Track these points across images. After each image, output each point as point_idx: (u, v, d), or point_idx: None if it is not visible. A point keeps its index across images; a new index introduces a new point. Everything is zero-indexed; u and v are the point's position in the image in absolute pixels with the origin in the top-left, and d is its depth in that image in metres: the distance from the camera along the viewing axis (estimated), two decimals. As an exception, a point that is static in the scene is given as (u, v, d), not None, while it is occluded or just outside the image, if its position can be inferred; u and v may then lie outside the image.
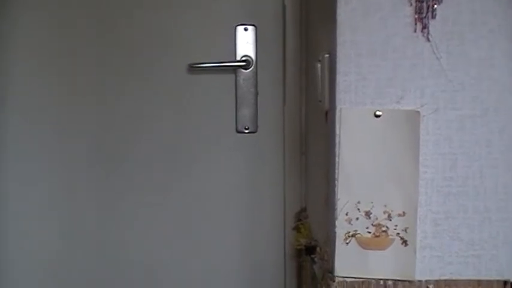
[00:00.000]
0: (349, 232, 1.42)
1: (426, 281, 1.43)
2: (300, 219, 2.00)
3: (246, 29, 2.04)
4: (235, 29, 2.04)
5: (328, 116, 1.52)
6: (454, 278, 1.43)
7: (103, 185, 2.09)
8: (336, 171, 1.43)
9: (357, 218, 1.42)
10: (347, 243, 1.42)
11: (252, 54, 2.04)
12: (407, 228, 1.41)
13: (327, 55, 1.52)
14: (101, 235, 2.10)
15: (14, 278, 2.10)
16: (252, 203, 2.10)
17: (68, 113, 2.07)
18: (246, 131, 2.07)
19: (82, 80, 2.06)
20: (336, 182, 1.43)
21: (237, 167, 2.09)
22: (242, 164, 2.09)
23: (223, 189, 2.10)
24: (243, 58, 2.04)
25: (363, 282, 1.43)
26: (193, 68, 2.03)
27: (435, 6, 1.38)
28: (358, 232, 1.42)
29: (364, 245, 1.42)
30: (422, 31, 1.39)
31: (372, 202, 1.41)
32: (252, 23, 2.03)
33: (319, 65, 1.59)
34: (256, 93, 2.06)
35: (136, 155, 2.08)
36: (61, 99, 2.06)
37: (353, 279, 1.44)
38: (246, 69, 2.04)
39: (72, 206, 2.10)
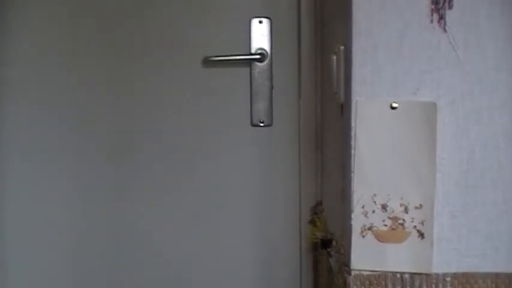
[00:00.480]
0: (366, 225, 1.42)
1: (443, 274, 1.42)
2: (316, 212, 1.99)
3: (260, 22, 2.03)
4: (250, 21, 2.03)
5: (344, 109, 1.51)
6: (471, 271, 1.42)
7: (115, 178, 2.09)
8: (352, 163, 1.42)
9: (373, 211, 1.41)
10: (363, 236, 1.42)
11: (267, 47, 2.03)
12: (424, 221, 1.40)
13: (342, 47, 1.51)
14: (114, 228, 2.11)
15: (21, 275, 2.11)
16: (267, 197, 2.09)
17: (83, 105, 2.07)
18: (261, 125, 2.07)
19: (96, 72, 2.06)
20: (352, 174, 1.42)
21: (252, 161, 2.08)
22: (257, 157, 2.08)
23: (238, 182, 2.09)
24: (258, 51, 2.03)
25: (379, 275, 1.43)
26: (208, 61, 2.03)
27: (452, -4, 1.37)
28: (374, 225, 1.41)
29: (381, 238, 1.41)
30: (439, 22, 1.38)
31: (388, 195, 1.41)
32: (267, 16, 2.03)
33: (334, 57, 1.58)
34: (271, 87, 2.05)
35: (150, 148, 2.08)
36: (73, 93, 2.06)
37: (369, 273, 1.43)
38: (261, 62, 2.04)
39: (85, 200, 2.10)
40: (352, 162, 1.42)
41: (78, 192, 2.10)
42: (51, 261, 2.11)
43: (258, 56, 2.03)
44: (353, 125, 1.41)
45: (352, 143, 1.42)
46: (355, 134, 1.41)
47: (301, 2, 2.01)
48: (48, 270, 2.11)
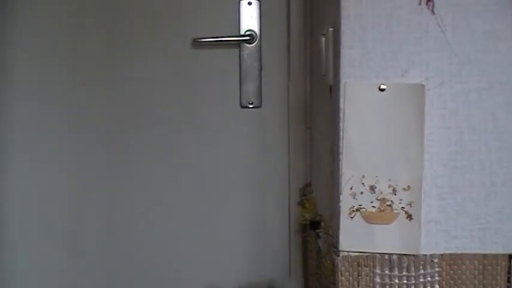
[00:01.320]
0: (354, 206, 1.42)
1: (431, 255, 1.43)
2: (305, 194, 1.99)
3: (249, 3, 2.02)
4: (239, 3, 2.02)
5: (333, 91, 1.51)
6: (459, 252, 1.43)
7: (110, 160, 2.09)
8: (341, 145, 1.42)
9: (362, 193, 1.41)
10: (352, 218, 1.42)
11: (256, 29, 2.03)
12: (412, 202, 1.41)
13: (331, 29, 1.50)
14: (113, 215, 2.11)
15: (21, 272, 2.11)
16: (257, 178, 2.10)
17: (79, 99, 2.07)
18: (251, 106, 2.07)
19: (86, 56, 2.05)
20: (341, 156, 1.42)
21: (241, 142, 2.08)
22: (246, 139, 2.08)
23: (227, 164, 2.09)
24: (247, 32, 2.03)
25: (367, 256, 1.43)
26: (197, 43, 2.02)
27: (440, -22, 1.37)
28: (362, 206, 1.42)
29: (369, 219, 1.42)
30: (427, 4, 1.38)
31: (376, 176, 1.41)
32: (256, -3, 2.03)
33: (323, 39, 1.58)
34: (261, 68, 2.05)
35: (143, 134, 2.07)
36: (70, 82, 2.06)
37: (358, 254, 1.43)
38: (250, 43, 2.03)
39: (84, 197, 2.10)
40: (340, 144, 1.42)
41: (77, 191, 2.10)
42: (50, 257, 2.11)
43: (247, 38, 2.02)
44: (341, 106, 1.41)
45: (341, 124, 1.42)
46: (343, 116, 1.41)
47: (290, -17, 2.01)
48: (47, 267, 2.11)
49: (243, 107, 2.07)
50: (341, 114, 1.41)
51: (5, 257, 2.10)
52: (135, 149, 2.08)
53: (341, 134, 1.42)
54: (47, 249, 2.11)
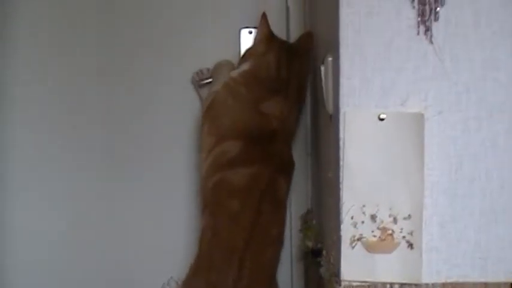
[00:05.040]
0: (355, 236, 1.42)
1: (433, 284, 1.42)
2: (306, 221, 1.99)
3: (250, 32, 2.03)
4: (240, 32, 2.03)
5: (332, 119, 1.51)
6: (461, 280, 1.43)
7: (110, 166, 2.11)
8: (341, 174, 1.42)
9: (363, 222, 1.41)
10: (353, 247, 1.42)
11: (257, 57, 2.03)
12: (413, 231, 1.41)
13: (330, 58, 1.51)
14: (112, 219, 2.11)
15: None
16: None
17: (80, 107, 2.10)
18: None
19: (86, 93, 2.08)
20: (341, 185, 1.42)
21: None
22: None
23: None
24: (248, 61, 2.03)
25: (369, 285, 1.43)
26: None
27: (438, 8, 1.38)
28: (363, 236, 1.42)
29: (370, 248, 1.42)
30: (425, 33, 1.39)
31: (377, 205, 1.41)
32: (256, 26, 2.02)
33: (323, 68, 1.59)
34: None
35: (139, 140, 2.10)
36: (64, 80, 2.09)
37: (359, 283, 1.43)
38: (250, 72, 2.03)
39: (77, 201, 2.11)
40: (340, 172, 1.42)
41: (76, 196, 2.10)
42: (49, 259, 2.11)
43: (247, 66, 2.03)
44: (341, 136, 1.42)
45: (341, 153, 1.42)
46: (343, 145, 1.42)
47: (290, 13, 2.02)
48: (46, 270, 2.11)
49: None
50: (341, 143, 1.42)
51: (5, 260, 2.10)
52: (134, 156, 2.09)
53: (341, 163, 1.42)
54: (45, 252, 2.11)
